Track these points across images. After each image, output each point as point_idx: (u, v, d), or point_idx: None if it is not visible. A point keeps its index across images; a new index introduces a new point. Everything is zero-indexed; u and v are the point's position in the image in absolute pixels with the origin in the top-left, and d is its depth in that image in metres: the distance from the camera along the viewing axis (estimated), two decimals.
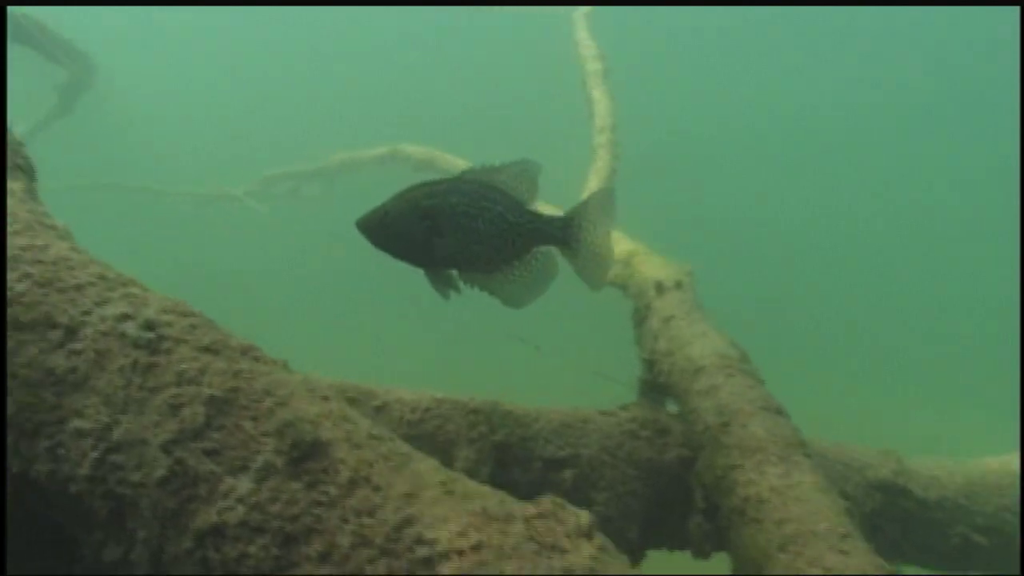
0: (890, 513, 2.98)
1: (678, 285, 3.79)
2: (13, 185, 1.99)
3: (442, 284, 2.19)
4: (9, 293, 1.60)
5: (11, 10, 7.43)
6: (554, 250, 2.25)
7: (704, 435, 2.50)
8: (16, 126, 11.31)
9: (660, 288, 3.80)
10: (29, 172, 2.16)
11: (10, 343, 1.55)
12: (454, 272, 2.21)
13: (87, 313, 1.58)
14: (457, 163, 8.58)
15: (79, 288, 1.63)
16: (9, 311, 1.58)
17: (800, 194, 31.58)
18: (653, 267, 4.32)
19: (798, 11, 27.39)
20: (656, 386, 3.37)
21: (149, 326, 1.56)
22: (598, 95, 7.39)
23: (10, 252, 1.69)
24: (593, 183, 6.36)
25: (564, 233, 2.22)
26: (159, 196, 15.42)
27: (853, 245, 30.12)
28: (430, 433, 2.46)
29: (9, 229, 1.76)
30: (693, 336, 3.06)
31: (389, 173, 10.65)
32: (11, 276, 1.64)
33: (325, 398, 1.54)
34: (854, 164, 31.76)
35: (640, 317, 3.76)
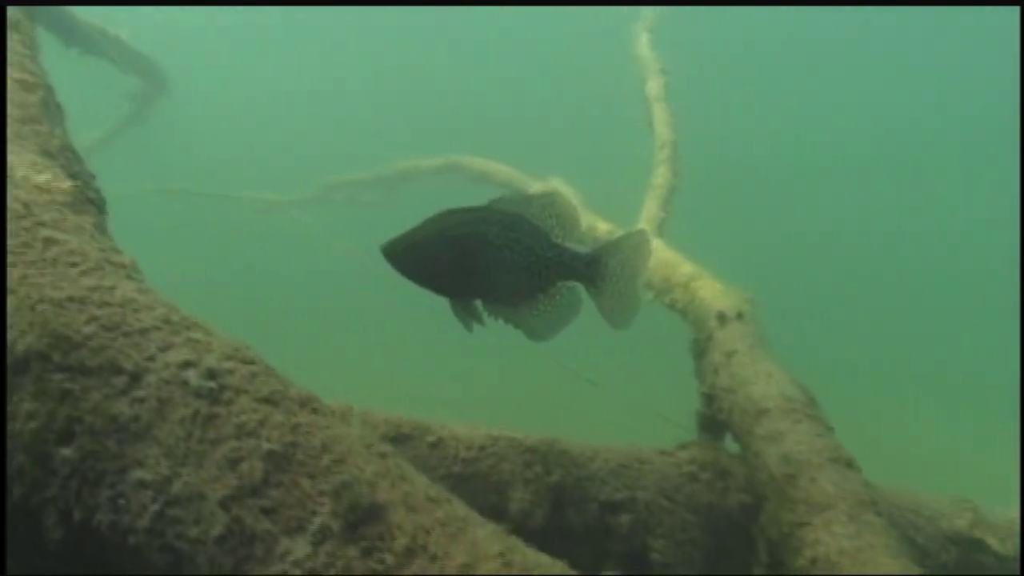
0: (967, 567, 2.83)
1: (740, 316, 3.69)
2: (83, 220, 2.02)
3: (466, 314, 2.16)
4: (77, 336, 1.62)
5: (90, 26, 7.70)
6: (579, 286, 2.22)
7: (769, 485, 2.41)
8: (91, 132, 11.72)
9: (722, 319, 3.70)
10: (100, 205, 2.20)
11: (76, 387, 1.56)
12: (478, 303, 2.18)
13: (151, 359, 1.59)
14: (514, 177, 8.57)
15: (144, 332, 1.64)
16: (76, 354, 1.60)
17: (867, 213, 30.82)
18: (714, 294, 4.22)
19: (874, 27, 26.75)
20: (715, 422, 3.27)
21: (211, 375, 1.55)
22: (659, 110, 7.29)
23: (79, 293, 1.72)
24: (651, 201, 6.27)
25: (589, 270, 2.19)
26: (224, 201, 15.79)
27: (916, 264, 29.30)
28: (484, 472, 2.42)
29: (78, 268, 1.79)
30: (756, 374, 2.96)
31: (446, 184, 10.70)
32: (79, 318, 1.66)
33: (382, 455, 1.52)
34: (903, 182, 30.89)
35: (700, 349, 3.66)
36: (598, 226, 6.27)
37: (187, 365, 1.58)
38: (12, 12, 2.62)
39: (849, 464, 2.35)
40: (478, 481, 2.40)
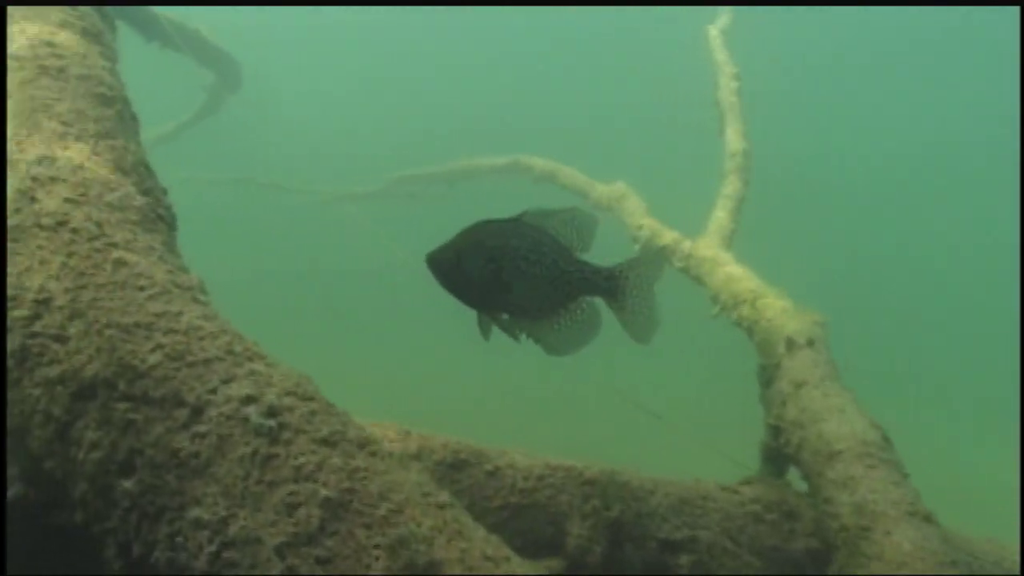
0: None
1: (811, 343, 3.54)
2: (153, 239, 2.04)
3: (490, 327, 2.17)
4: (142, 365, 1.63)
5: (170, 20, 7.89)
6: (599, 302, 2.23)
7: (840, 535, 2.29)
8: (168, 124, 12.06)
9: (791, 345, 3.55)
10: (170, 222, 2.22)
11: (139, 418, 1.57)
12: (505, 316, 2.18)
13: (213, 392, 1.58)
14: (578, 179, 8.47)
15: (207, 363, 1.64)
16: (141, 384, 1.61)
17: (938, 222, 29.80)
18: (783, 316, 4.07)
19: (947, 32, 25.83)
20: (780, 455, 3.15)
21: (271, 412, 1.54)
22: (731, 116, 7.09)
23: (145, 319, 1.72)
24: (720, 211, 6.10)
25: (609, 285, 2.19)
26: (291, 193, 16.10)
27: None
28: (542, 503, 2.37)
29: (146, 292, 1.80)
30: (828, 410, 2.82)
31: (509, 183, 10.66)
32: (145, 346, 1.66)
33: (440, 506, 1.48)
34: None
35: (767, 376, 3.53)
36: (663, 235, 6.14)
37: (248, 400, 1.56)
38: (95, 22, 2.66)
39: (927, 519, 2.22)
40: (535, 512, 2.35)
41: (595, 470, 2.48)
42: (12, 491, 1.90)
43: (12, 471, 1.93)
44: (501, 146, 11.09)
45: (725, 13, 9.13)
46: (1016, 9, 21.14)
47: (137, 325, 1.70)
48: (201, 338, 1.70)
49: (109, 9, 2.96)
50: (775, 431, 3.08)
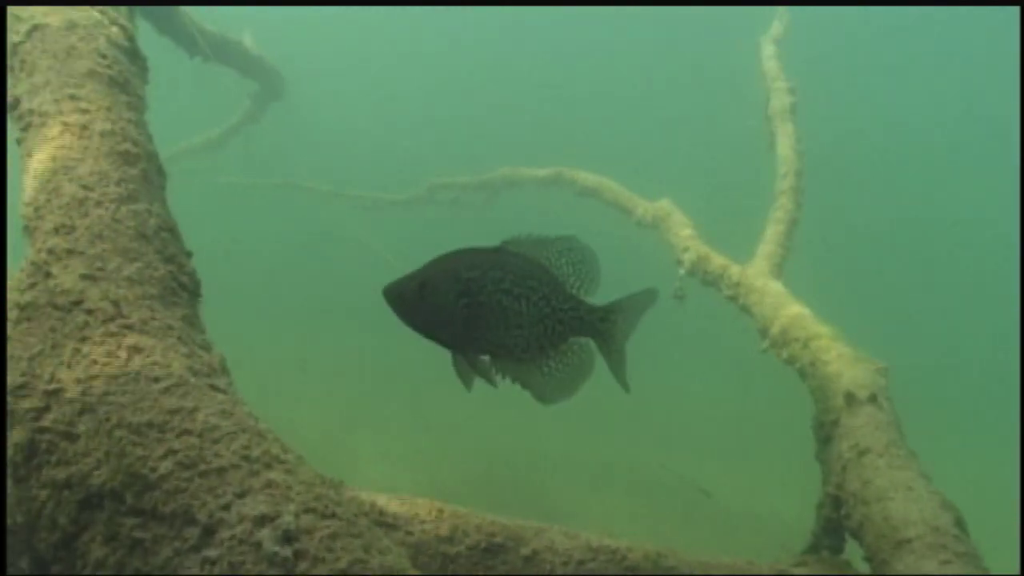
0: None
1: (873, 399, 3.31)
2: (173, 316, 1.92)
3: (469, 371, 1.94)
4: (152, 475, 1.50)
5: (213, 34, 7.91)
6: (591, 343, 2.03)
7: None
8: (212, 131, 12.14)
9: (851, 400, 3.33)
10: (193, 291, 2.10)
11: (147, 536, 1.45)
12: (485, 359, 1.96)
13: (226, 508, 1.45)
14: (622, 195, 8.25)
15: (221, 473, 1.51)
16: (150, 496, 1.49)
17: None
18: (840, 362, 3.83)
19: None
20: (841, 527, 2.94)
21: (287, 538, 1.40)
22: (783, 134, 6.82)
23: (159, 418, 1.60)
24: (770, 235, 5.85)
25: (603, 325, 1.99)
26: (332, 198, 16.14)
27: None
28: None
29: (160, 384, 1.68)
30: (895, 487, 2.61)
31: (551, 195, 10.50)
32: (157, 450, 1.54)
33: None
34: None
35: (825, 433, 3.31)
36: (710, 258, 5.91)
37: (263, 521, 1.43)
38: (124, 68, 2.56)
39: None
40: None
41: (639, 553, 2.31)
42: None
43: (23, 562, 1.83)
44: (540, 156, 10.94)
45: (778, 19, 8.82)
46: (1016, 9, 20.53)
47: (149, 425, 1.58)
48: (216, 441, 1.57)
49: (150, 17, 2.85)
50: (835, 502, 2.87)
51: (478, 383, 1.96)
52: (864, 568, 2.63)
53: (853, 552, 2.87)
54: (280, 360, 12.45)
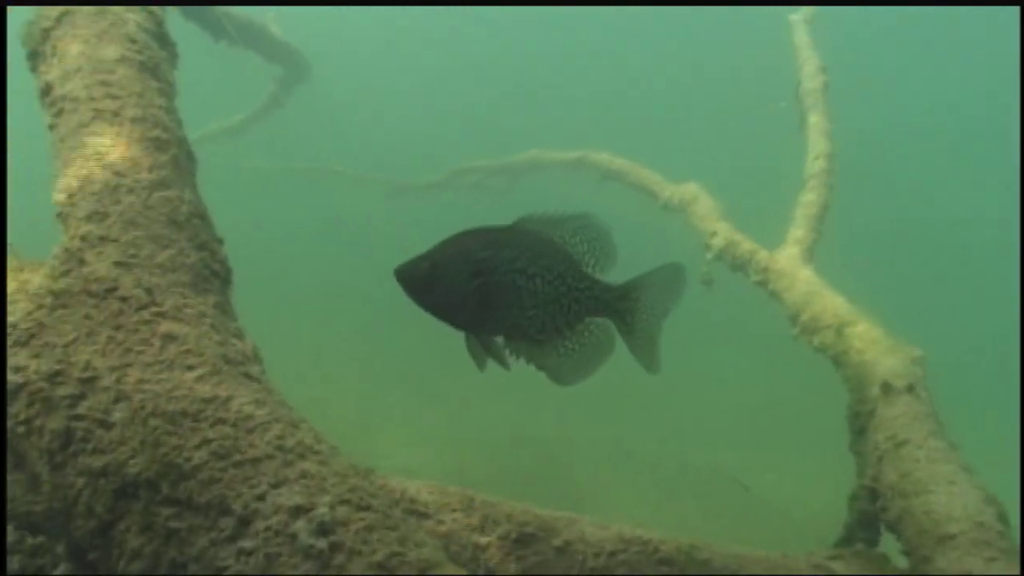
0: None
1: (910, 388, 3.24)
2: (206, 303, 1.91)
3: (483, 353, 1.90)
4: (187, 465, 1.50)
5: (238, 19, 7.91)
6: (610, 323, 1.97)
7: None
8: (237, 115, 12.18)
9: (887, 390, 3.26)
10: (225, 278, 2.09)
11: (183, 527, 1.44)
12: (499, 340, 1.92)
13: (261, 498, 1.44)
14: (647, 178, 8.14)
15: (256, 463, 1.50)
16: (185, 486, 1.48)
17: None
18: (875, 350, 3.75)
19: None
20: (876, 519, 2.89)
21: (322, 530, 1.39)
22: (815, 117, 6.67)
23: (193, 406, 1.59)
24: (800, 219, 5.75)
25: (620, 304, 1.94)
26: (356, 182, 16.18)
27: None
28: None
29: (195, 372, 1.67)
30: (935, 480, 2.55)
31: (575, 179, 10.42)
32: (192, 440, 1.53)
33: None
34: None
35: (859, 424, 3.25)
36: (739, 243, 5.81)
37: (298, 512, 1.41)
38: (154, 54, 2.55)
39: None
40: None
41: (672, 546, 2.28)
42: (60, 570, 1.81)
43: (59, 548, 1.85)
44: (563, 141, 10.85)
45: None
46: (1016, 9, 20.24)
47: (184, 414, 1.58)
48: (250, 431, 1.56)
49: (178, 10, 2.84)
50: (871, 493, 2.82)
51: (492, 365, 1.93)
52: (902, 562, 2.58)
53: (889, 545, 2.82)
54: (300, 345, 12.52)
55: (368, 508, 1.46)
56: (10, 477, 1.90)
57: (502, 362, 1.92)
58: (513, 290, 1.85)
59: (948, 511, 2.37)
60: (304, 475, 1.49)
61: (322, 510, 1.41)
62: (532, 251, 1.86)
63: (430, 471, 9.23)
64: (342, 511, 1.43)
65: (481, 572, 2.08)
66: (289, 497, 1.44)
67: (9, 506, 1.86)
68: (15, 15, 2.65)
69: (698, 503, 9.74)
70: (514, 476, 9.46)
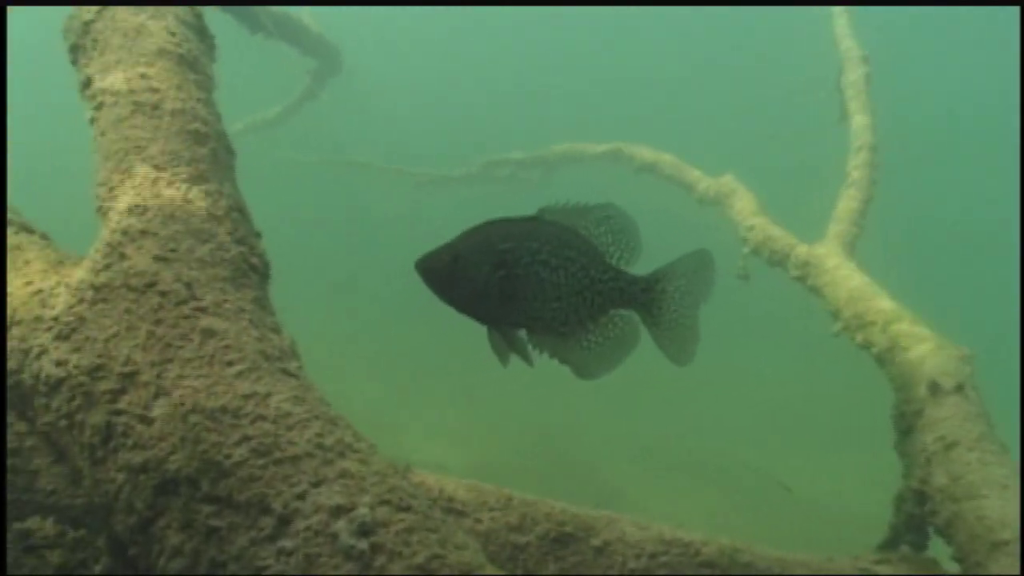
0: None
1: (959, 389, 3.14)
2: (244, 297, 1.90)
3: (505, 347, 1.85)
4: (227, 462, 1.48)
5: (274, 12, 7.94)
6: (635, 316, 1.92)
7: None
8: (271, 109, 12.26)
9: (935, 390, 3.16)
10: (263, 272, 2.08)
11: (223, 525, 1.43)
12: (522, 334, 1.87)
13: (301, 497, 1.42)
14: (683, 170, 8.03)
15: (296, 461, 1.48)
16: (225, 484, 1.47)
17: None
18: (921, 348, 3.65)
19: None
20: (925, 524, 2.80)
21: (363, 531, 1.36)
22: (856, 107, 6.52)
23: (233, 403, 1.58)
24: (843, 211, 5.61)
25: (645, 296, 1.89)
26: (390, 175, 16.19)
27: None
28: None
29: (234, 368, 1.66)
30: (988, 484, 2.46)
31: (609, 171, 10.33)
32: (232, 437, 1.52)
33: None
34: None
35: (906, 424, 3.16)
36: (776, 237, 5.70)
37: (339, 512, 1.39)
38: (193, 47, 2.55)
39: None
40: None
41: (713, 548, 2.23)
42: (100, 565, 1.82)
43: (99, 542, 1.85)
44: (595, 134, 10.76)
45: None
46: (1016, 9, 19.87)
47: (224, 410, 1.56)
48: (290, 428, 1.54)
49: (212, 9, 2.83)
50: (919, 496, 2.74)
51: (516, 359, 1.89)
52: (952, 567, 2.50)
53: (937, 549, 2.74)
54: (327, 336, 12.60)
55: (408, 509, 1.43)
56: (52, 470, 1.92)
57: (525, 357, 1.87)
58: (536, 282, 1.81)
59: (1001, 516, 2.28)
60: (344, 474, 1.47)
61: (363, 510, 1.39)
62: (555, 242, 1.82)
63: (455, 466, 9.25)
64: (382, 511, 1.41)
65: (519, 572, 2.05)
66: (329, 496, 1.42)
67: (51, 499, 1.87)
68: (15, 15, 2.65)
69: (728, 498, 9.63)
70: (539, 470, 9.44)
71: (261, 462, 1.47)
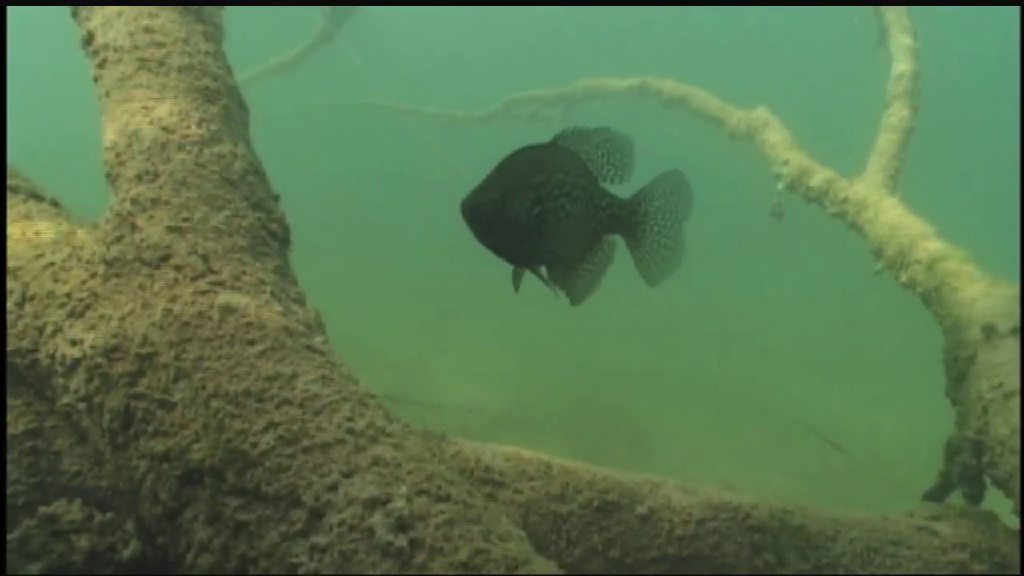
0: None
1: (1015, 332, 2.97)
2: (264, 268, 1.78)
3: (520, 282, 1.81)
4: (252, 451, 1.39)
5: None
6: (616, 239, 1.89)
7: None
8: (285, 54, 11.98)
9: (991, 332, 3.00)
10: (283, 238, 1.96)
11: (251, 519, 1.34)
12: (543, 270, 1.82)
13: (333, 489, 1.33)
14: (713, 105, 7.72)
15: (326, 448, 1.38)
16: (252, 474, 1.38)
17: None
18: (970, 286, 3.47)
19: None
20: (982, 475, 2.68)
21: (401, 525, 1.27)
22: (896, 30, 6.15)
23: (257, 385, 1.48)
24: (883, 144, 5.35)
25: (631, 219, 1.85)
26: (411, 116, 15.88)
27: None
28: (705, 555, 2.05)
29: (256, 347, 1.55)
30: None
31: (632, 105, 10.00)
32: (257, 424, 1.42)
33: None
34: None
35: (959, 369, 3.01)
36: (812, 172, 5.46)
37: (374, 504, 1.30)
38: None
39: None
40: (697, 566, 2.04)
41: (764, 512, 2.13)
42: (129, 549, 1.76)
43: (128, 525, 1.79)
44: (619, 69, 10.39)
45: None
46: (1016, 9, 18.99)
47: (247, 394, 1.47)
48: (317, 412, 1.44)
49: None
50: (977, 448, 2.61)
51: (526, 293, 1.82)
52: (1012, 521, 2.39)
53: (994, 501, 2.62)
54: (362, 281, 12.58)
55: (448, 499, 1.34)
56: (75, 451, 1.85)
57: (555, 290, 1.83)
58: (563, 216, 1.75)
59: None
60: (377, 462, 1.37)
61: (399, 503, 1.29)
62: (573, 172, 1.76)
63: (490, 406, 9.26)
64: (420, 503, 1.31)
65: (563, 543, 1.97)
66: (363, 488, 1.32)
67: (75, 481, 1.81)
68: (15, 15, 2.49)
69: (763, 431, 9.58)
70: (574, 409, 9.43)
71: (289, 451, 1.38)
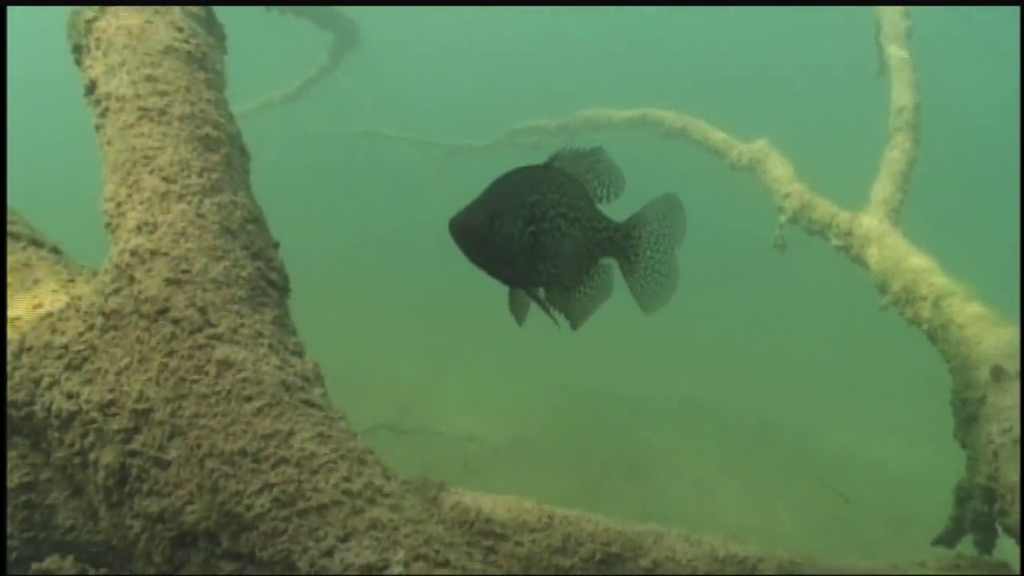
0: None
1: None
2: (262, 320, 1.77)
3: (526, 307, 1.77)
4: (247, 514, 1.37)
5: None
6: (614, 264, 1.89)
7: None
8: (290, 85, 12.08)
9: (999, 375, 2.97)
10: (282, 287, 1.95)
11: None
12: (540, 292, 1.79)
13: (329, 554, 1.30)
14: (714, 136, 7.74)
15: (322, 511, 1.36)
16: (247, 538, 1.35)
17: None
18: (977, 325, 3.44)
19: None
20: (992, 522, 2.64)
21: None
22: (898, 64, 6.17)
23: (252, 445, 1.46)
24: (886, 177, 5.34)
25: (625, 243, 1.85)
26: (412, 145, 15.99)
27: None
28: None
29: (253, 404, 1.53)
30: None
31: (634, 136, 10.05)
32: (252, 485, 1.40)
33: None
34: None
35: (968, 412, 2.97)
36: (814, 205, 5.45)
37: (370, 571, 1.27)
38: (201, 42, 2.39)
39: None
40: None
41: (771, 564, 2.09)
42: None
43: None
44: (624, 100, 10.46)
45: None
46: (1016, 9, 19.12)
47: (243, 453, 1.44)
48: (315, 471, 1.42)
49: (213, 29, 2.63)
50: (986, 494, 2.57)
51: (533, 322, 1.80)
52: None
53: (1007, 550, 2.58)
54: (361, 307, 12.57)
55: (446, 563, 1.31)
56: (70, 505, 1.82)
57: (552, 316, 1.80)
58: (559, 236, 1.73)
59: None
60: (374, 525, 1.34)
61: (396, 570, 1.27)
62: (568, 192, 1.75)
63: (490, 438, 9.19)
64: (418, 568, 1.28)
65: None
66: (359, 553, 1.29)
67: (68, 536, 1.78)
68: (14, 14, 2.51)
69: (766, 461, 9.49)
70: (575, 437, 9.37)
71: (284, 513, 1.36)
